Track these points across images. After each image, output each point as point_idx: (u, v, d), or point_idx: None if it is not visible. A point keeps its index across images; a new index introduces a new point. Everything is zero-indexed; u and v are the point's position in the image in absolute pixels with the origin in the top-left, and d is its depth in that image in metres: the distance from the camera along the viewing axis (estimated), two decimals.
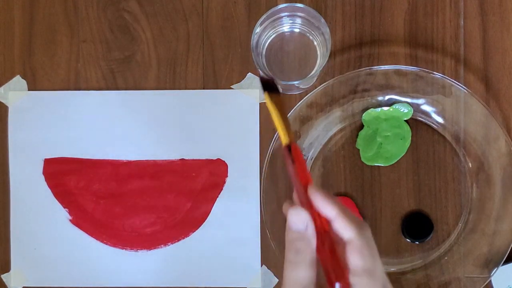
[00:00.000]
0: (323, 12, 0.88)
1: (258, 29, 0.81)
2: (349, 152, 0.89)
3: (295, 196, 0.61)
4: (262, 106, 0.89)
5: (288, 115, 0.85)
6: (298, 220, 0.57)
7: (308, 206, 0.58)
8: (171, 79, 0.90)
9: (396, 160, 0.88)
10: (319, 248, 0.57)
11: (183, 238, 0.89)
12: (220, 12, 0.89)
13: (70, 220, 0.90)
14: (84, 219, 0.90)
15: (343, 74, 0.86)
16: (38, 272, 0.90)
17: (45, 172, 0.90)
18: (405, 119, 0.88)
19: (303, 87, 0.86)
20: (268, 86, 0.67)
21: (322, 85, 0.86)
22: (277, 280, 0.88)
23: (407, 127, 0.88)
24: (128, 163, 0.90)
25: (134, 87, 0.90)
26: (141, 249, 0.90)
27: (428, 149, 0.88)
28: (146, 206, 0.89)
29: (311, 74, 0.82)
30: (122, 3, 0.90)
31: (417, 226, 0.88)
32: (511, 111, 0.88)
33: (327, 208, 0.57)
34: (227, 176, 0.89)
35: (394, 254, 0.88)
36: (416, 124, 0.88)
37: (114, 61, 0.90)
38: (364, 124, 0.88)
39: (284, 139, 0.62)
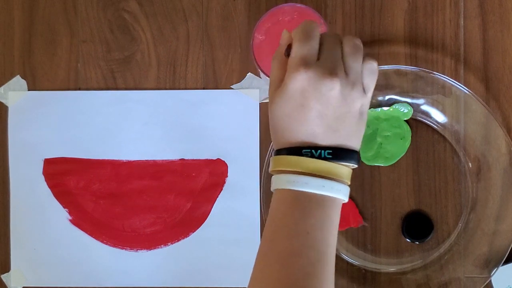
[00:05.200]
0: (323, 12, 0.88)
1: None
2: None
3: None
4: (262, 106, 0.89)
5: None
6: (284, 35, 0.69)
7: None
8: (171, 79, 0.90)
9: (396, 160, 0.88)
10: None
11: (183, 238, 0.89)
12: (220, 12, 0.89)
13: (70, 220, 0.90)
14: (84, 219, 0.90)
15: None
16: (38, 272, 0.90)
17: (45, 172, 0.90)
18: (405, 119, 0.88)
19: None
20: None
21: None
22: None
23: (407, 127, 0.88)
24: (128, 163, 0.90)
25: (134, 87, 0.90)
26: (141, 249, 0.90)
27: (428, 149, 0.88)
28: (146, 206, 0.89)
29: None
30: (122, 3, 0.90)
31: (417, 226, 0.88)
32: (511, 111, 0.88)
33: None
34: (227, 176, 0.89)
35: (394, 254, 0.88)
36: (416, 124, 0.88)
37: (114, 61, 0.90)
38: None
39: None
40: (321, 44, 0.67)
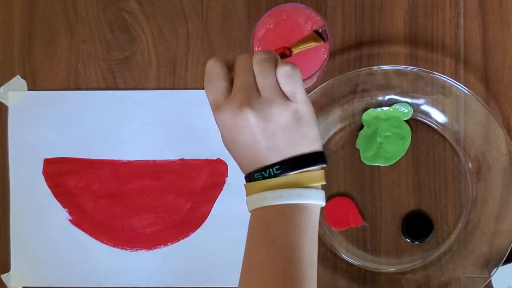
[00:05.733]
0: (323, 12, 0.88)
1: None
2: (349, 152, 0.88)
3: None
4: None
5: None
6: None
7: None
8: (171, 79, 0.90)
9: (396, 160, 0.88)
10: None
11: (183, 238, 0.89)
12: (220, 12, 0.89)
13: (70, 220, 0.90)
14: (84, 219, 0.90)
15: (343, 74, 0.86)
16: (38, 272, 0.90)
17: (45, 172, 0.90)
18: (405, 119, 0.88)
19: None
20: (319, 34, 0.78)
21: (322, 85, 0.86)
22: None
23: (407, 127, 0.88)
24: (128, 163, 0.90)
25: (134, 87, 0.90)
26: (141, 249, 0.90)
27: (428, 149, 0.88)
28: (146, 206, 0.89)
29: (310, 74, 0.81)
30: (122, 3, 0.90)
31: (417, 226, 0.88)
32: (511, 111, 0.88)
33: None
34: (227, 176, 0.89)
35: (394, 254, 0.88)
36: (416, 124, 0.88)
37: (114, 61, 0.90)
38: (364, 124, 0.88)
39: (293, 47, 0.74)
40: (234, 75, 0.67)
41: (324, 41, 0.78)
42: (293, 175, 0.65)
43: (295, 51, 0.74)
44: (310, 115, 0.66)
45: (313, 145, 0.66)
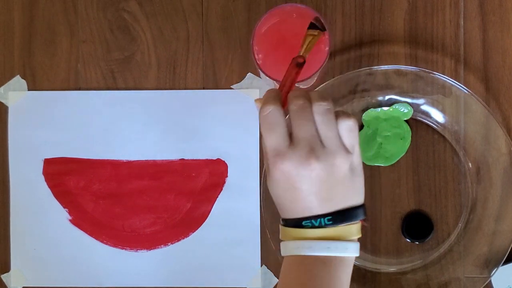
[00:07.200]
0: (323, 12, 0.88)
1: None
2: None
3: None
4: None
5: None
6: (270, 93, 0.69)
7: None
8: (171, 79, 0.90)
9: (396, 160, 0.88)
10: None
11: (183, 238, 0.89)
12: (220, 12, 0.89)
13: (70, 220, 0.90)
14: (84, 219, 0.90)
15: (343, 74, 0.86)
16: (38, 272, 0.90)
17: (45, 172, 0.90)
18: (405, 119, 0.88)
19: (303, 87, 0.86)
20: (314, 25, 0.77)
21: (322, 85, 0.86)
22: (277, 280, 0.88)
23: (407, 127, 0.88)
24: (128, 163, 0.90)
25: (134, 87, 0.90)
26: (141, 249, 0.90)
27: (428, 149, 0.88)
28: (146, 206, 0.89)
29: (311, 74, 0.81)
30: (122, 3, 0.90)
31: (417, 226, 0.88)
32: (511, 111, 0.88)
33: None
34: (227, 176, 0.89)
35: (394, 254, 0.88)
36: (416, 124, 0.88)
37: (114, 61, 0.90)
38: (364, 124, 0.88)
39: (303, 52, 0.73)
40: (291, 119, 0.65)
41: (322, 30, 0.77)
42: (337, 228, 0.65)
43: (306, 54, 0.73)
44: (361, 166, 0.67)
45: (360, 196, 0.67)
